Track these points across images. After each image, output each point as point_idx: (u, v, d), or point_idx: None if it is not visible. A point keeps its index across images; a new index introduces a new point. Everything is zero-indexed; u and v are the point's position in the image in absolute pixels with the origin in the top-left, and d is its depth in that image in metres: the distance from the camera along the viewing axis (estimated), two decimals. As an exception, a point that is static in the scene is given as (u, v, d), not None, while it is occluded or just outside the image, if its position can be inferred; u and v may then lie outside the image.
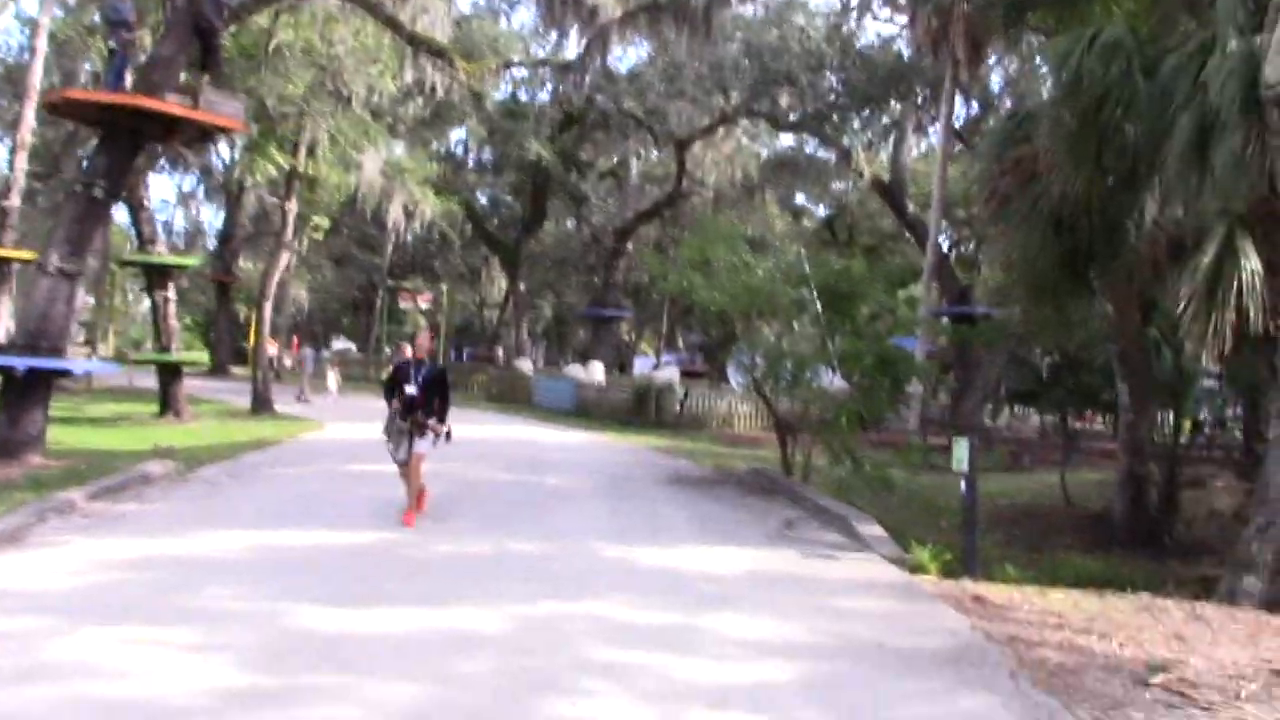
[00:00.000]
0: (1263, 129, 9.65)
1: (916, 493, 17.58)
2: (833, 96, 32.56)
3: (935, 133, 35.09)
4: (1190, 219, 10.72)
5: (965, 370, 29.54)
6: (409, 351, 12.01)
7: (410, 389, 11.30)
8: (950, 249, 41.34)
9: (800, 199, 49.48)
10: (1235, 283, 10.23)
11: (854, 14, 35.26)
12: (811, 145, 41.64)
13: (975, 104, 34.80)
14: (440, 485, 13.47)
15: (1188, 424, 16.99)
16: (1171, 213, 11.54)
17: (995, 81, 33.92)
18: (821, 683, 6.24)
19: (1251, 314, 10.19)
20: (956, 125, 31.90)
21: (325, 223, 33.58)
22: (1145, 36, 11.43)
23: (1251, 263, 10.33)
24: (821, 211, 50.92)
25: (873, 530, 11.49)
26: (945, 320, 29.81)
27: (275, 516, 11.25)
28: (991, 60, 31.85)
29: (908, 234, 40.60)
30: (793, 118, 35.75)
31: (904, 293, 35.34)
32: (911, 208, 38.37)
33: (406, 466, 11.37)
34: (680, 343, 63.51)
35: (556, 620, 7.32)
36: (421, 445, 11.32)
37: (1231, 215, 10.49)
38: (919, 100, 32.75)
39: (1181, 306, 10.31)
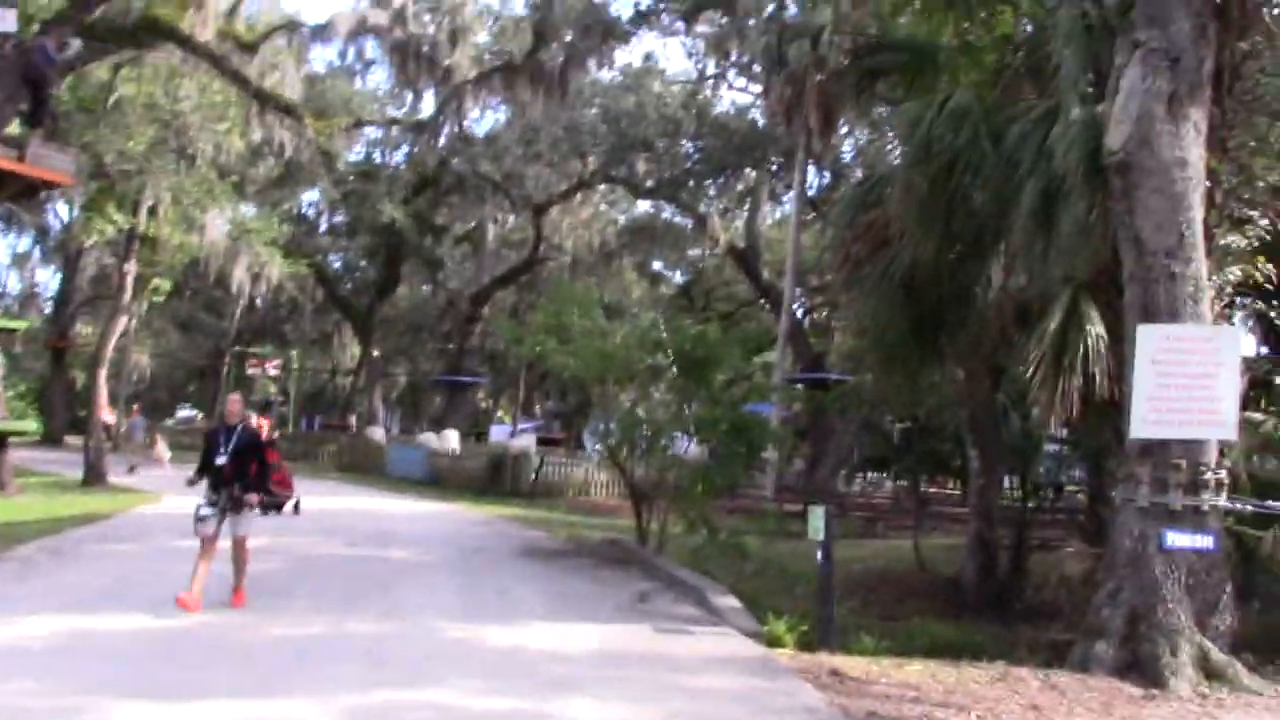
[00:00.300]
0: (1105, 195, 9.84)
1: (772, 560, 17.42)
2: (689, 163, 32.85)
3: (789, 200, 35.73)
4: (1036, 285, 10.85)
5: (819, 436, 29.80)
6: (253, 420, 11.25)
7: (219, 459, 10.23)
8: (804, 315, 41.96)
9: (658, 265, 49.67)
10: (1081, 349, 10.32)
11: (710, 83, 35.86)
12: (669, 212, 41.94)
13: (828, 173, 35.55)
14: (277, 561, 12.75)
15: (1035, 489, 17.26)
16: (1018, 279, 11.70)
17: (847, 151, 34.73)
18: (676, 774, 5.87)
19: (1097, 379, 10.29)
20: (810, 193, 32.46)
21: (166, 285, 32.15)
22: (992, 104, 11.63)
23: (1096, 328, 10.45)
24: (678, 278, 51.24)
25: (728, 602, 11.20)
26: (799, 386, 30.06)
27: (94, 598, 10.36)
28: (843, 129, 32.67)
29: (763, 300, 41.16)
30: (650, 184, 36.02)
31: (759, 359, 35.88)
32: (766, 274, 38.94)
33: (213, 544, 10.16)
34: (538, 409, 62.92)
35: (392, 711, 6.79)
36: (241, 524, 10.35)
37: (1076, 282, 10.64)
38: (773, 168, 33.30)
39: (1030, 372, 10.36)
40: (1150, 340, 9.57)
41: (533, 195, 39.23)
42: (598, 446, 16.34)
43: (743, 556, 15.51)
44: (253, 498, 10.33)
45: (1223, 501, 9.60)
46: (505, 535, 18.32)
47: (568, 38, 28.32)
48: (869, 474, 18.20)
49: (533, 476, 28.94)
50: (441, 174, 38.77)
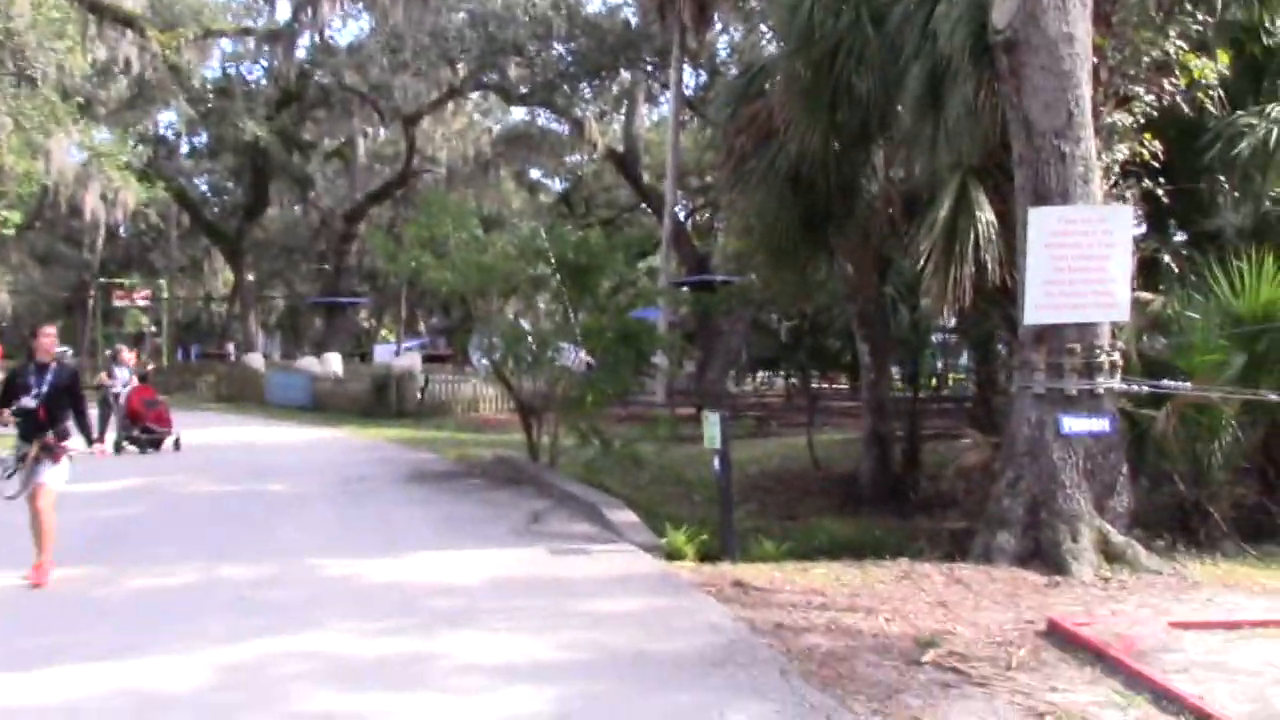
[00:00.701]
0: (993, 76, 9.49)
1: (668, 467, 17.19)
2: (562, 66, 31.84)
3: (667, 101, 35.04)
4: (925, 174, 10.51)
5: (708, 339, 29.55)
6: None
7: (28, 400, 8.60)
8: (687, 218, 41.55)
9: (536, 174, 48.66)
10: (972, 236, 10.08)
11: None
12: (544, 118, 40.91)
13: (704, 72, 34.82)
14: (145, 504, 12.02)
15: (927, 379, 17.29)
16: (906, 167, 11.37)
17: (723, 48, 34.04)
18: (578, 712, 5.47)
19: (989, 267, 10.07)
20: (687, 93, 31.77)
21: (15, 217, 30.27)
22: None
23: (986, 214, 10.20)
24: (558, 186, 50.32)
25: (625, 516, 10.84)
26: (685, 290, 29.72)
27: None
28: (718, 27, 31.97)
29: (644, 205, 40.56)
30: (523, 90, 34.87)
31: (643, 264, 35.40)
32: (646, 178, 38.33)
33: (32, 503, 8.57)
34: (422, 327, 61.76)
35: (267, 663, 6.25)
36: (48, 474, 8.59)
37: (965, 168, 10.34)
38: (648, 68, 32.49)
39: (921, 262, 10.07)
40: (1043, 223, 9.32)
41: (402, 107, 37.79)
42: (483, 361, 15.73)
43: (637, 466, 15.23)
44: (70, 447, 8.81)
45: (1117, 384, 9.48)
46: (391, 460, 17.71)
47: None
48: (760, 374, 17.93)
49: (418, 396, 28.21)
50: (305, 87, 37.05)
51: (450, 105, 39.17)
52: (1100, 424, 9.49)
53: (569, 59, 31.48)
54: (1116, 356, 9.51)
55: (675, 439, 17.78)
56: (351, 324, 50.47)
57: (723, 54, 33.65)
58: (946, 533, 11.57)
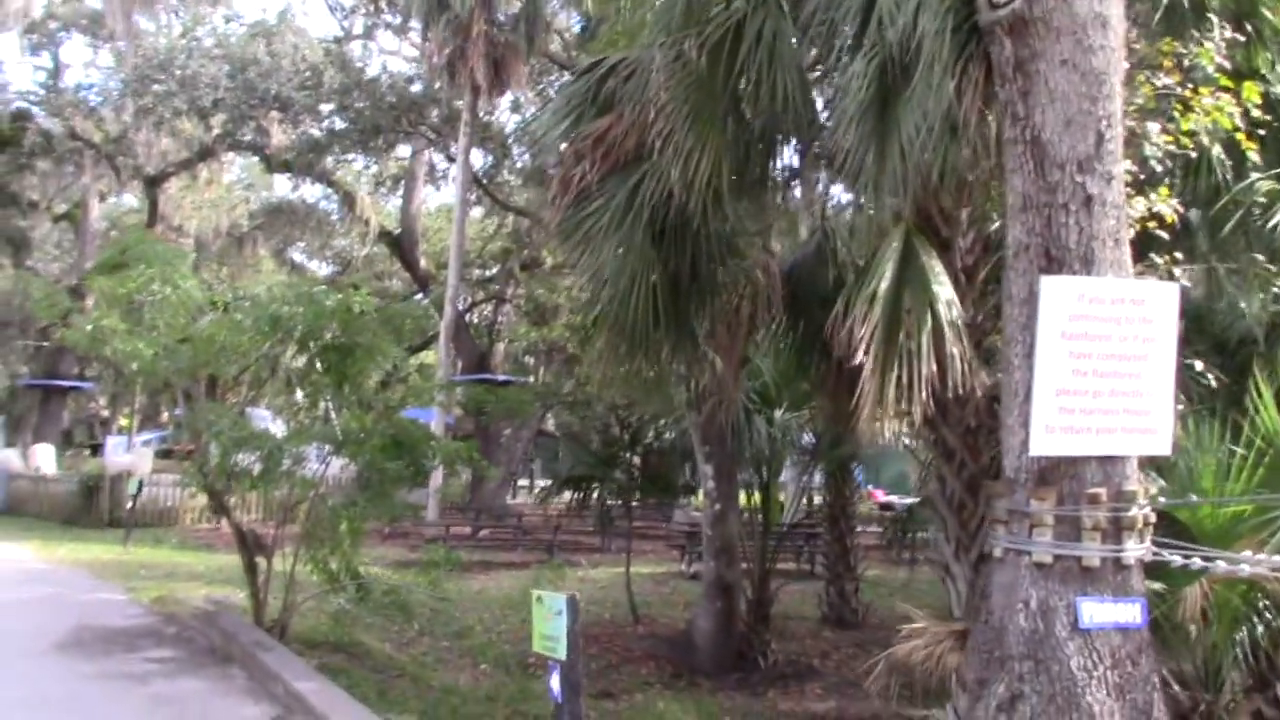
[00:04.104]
0: (985, 67, 6.26)
1: (442, 613, 13.45)
2: (334, 128, 27.70)
3: (449, 180, 31.48)
4: (862, 226, 7.18)
5: (486, 446, 25.69)
6: None
7: None
8: (467, 310, 37.71)
9: (299, 253, 43.78)
10: (929, 321, 6.78)
11: (359, 44, 30.92)
12: (312, 191, 36.49)
13: (491, 155, 31.34)
14: None
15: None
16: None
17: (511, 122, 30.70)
18: None
19: (959, 364, 6.78)
20: (475, 169, 28.23)
21: None
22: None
23: (944, 290, 6.94)
24: (324, 269, 45.53)
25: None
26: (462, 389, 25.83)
27: None
28: (510, 101, 28.77)
29: (421, 294, 36.47)
30: (287, 157, 30.42)
31: (414, 360, 31.30)
32: (424, 263, 34.47)
33: None
34: (166, 416, 54.91)
35: None
36: None
37: (906, 222, 7.07)
38: (432, 136, 28.76)
39: (860, 354, 6.65)
40: (1059, 300, 6.06)
41: (144, 165, 32.77)
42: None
43: (405, 616, 11.45)
44: None
45: (1147, 550, 6.24)
46: (57, 600, 12.65)
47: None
48: (576, 494, 14.32)
49: (129, 504, 22.96)
50: (20, 132, 31.32)
51: (202, 167, 34.28)
52: (1131, 612, 6.20)
53: (343, 118, 27.33)
54: (1149, 510, 6.30)
55: (455, 568, 13.79)
56: (83, 411, 43.92)
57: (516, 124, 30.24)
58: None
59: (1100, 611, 6.10)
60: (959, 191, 7.51)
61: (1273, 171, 7.94)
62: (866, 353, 6.68)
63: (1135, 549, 6.16)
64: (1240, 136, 7.63)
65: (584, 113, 7.89)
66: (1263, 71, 7.79)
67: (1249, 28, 8.22)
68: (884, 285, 6.84)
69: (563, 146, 7.87)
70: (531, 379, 37.75)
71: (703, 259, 8.05)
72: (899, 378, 6.68)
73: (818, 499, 17.55)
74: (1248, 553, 6.49)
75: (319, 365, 10.32)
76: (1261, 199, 8.02)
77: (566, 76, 27.95)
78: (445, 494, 19.35)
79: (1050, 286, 6.05)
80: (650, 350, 8.09)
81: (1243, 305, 7.97)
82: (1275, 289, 7.84)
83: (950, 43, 6.22)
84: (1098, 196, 6.09)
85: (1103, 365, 6.19)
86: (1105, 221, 6.13)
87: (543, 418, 29.97)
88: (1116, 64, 6.20)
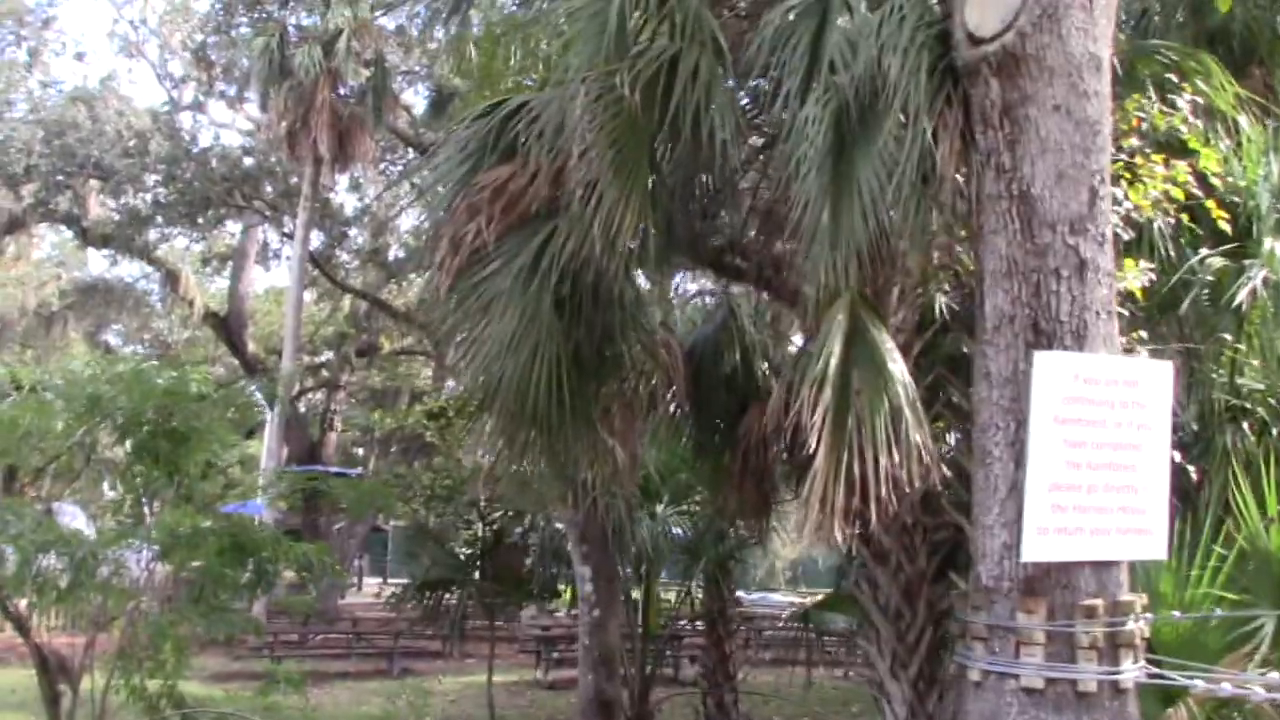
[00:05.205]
0: (965, 109, 5.45)
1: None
2: (159, 199, 25.79)
3: (287, 257, 29.80)
4: (810, 294, 6.26)
5: (315, 542, 23.86)
6: None
7: None
8: (296, 397, 35.66)
9: (114, 336, 40.91)
10: (884, 407, 5.87)
11: (186, 111, 29.17)
12: (133, 271, 34.16)
13: (326, 235, 29.89)
14: None
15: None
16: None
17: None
18: None
19: (920, 459, 5.87)
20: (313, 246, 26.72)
21: None
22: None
23: (900, 370, 6.05)
24: (140, 351, 42.64)
25: None
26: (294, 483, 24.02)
27: None
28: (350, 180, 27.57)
29: (246, 380, 34.30)
30: (107, 230, 28.24)
31: (236, 451, 29.17)
32: (253, 347, 32.47)
33: None
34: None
35: None
36: None
37: (852, 294, 6.17)
38: (268, 213, 27.13)
39: (814, 441, 5.67)
40: (1053, 379, 5.22)
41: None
42: None
43: None
44: None
45: (1141, 670, 5.39)
46: None
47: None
48: (430, 598, 12.90)
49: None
50: None
51: (9, 241, 31.67)
52: (1129, 747, 5.35)
53: (169, 189, 25.44)
54: (1144, 623, 5.47)
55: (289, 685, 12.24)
56: None
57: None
58: None
59: (1098, 749, 5.22)
60: (892, 260, 6.71)
61: (1223, 247, 7.40)
62: (819, 442, 5.72)
63: (1132, 670, 5.32)
64: (1182, 212, 7.08)
65: (480, 160, 6.81)
66: (1192, 146, 7.23)
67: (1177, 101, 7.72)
68: (833, 364, 5.89)
69: (454, 200, 6.70)
70: (361, 471, 35.95)
71: (615, 331, 7.03)
72: (848, 470, 5.74)
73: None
74: (1256, 672, 5.71)
75: (146, 455, 8.79)
76: (1210, 276, 7.48)
77: (412, 154, 27.07)
78: (287, 602, 17.52)
79: (1044, 364, 5.22)
80: (554, 435, 6.95)
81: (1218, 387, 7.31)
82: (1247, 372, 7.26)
83: (926, 85, 5.41)
84: (1091, 261, 5.34)
85: (1096, 455, 5.38)
86: (1099, 290, 5.37)
87: (377, 513, 28.23)
88: (1108, 113, 5.50)
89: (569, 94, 6.07)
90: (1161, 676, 5.42)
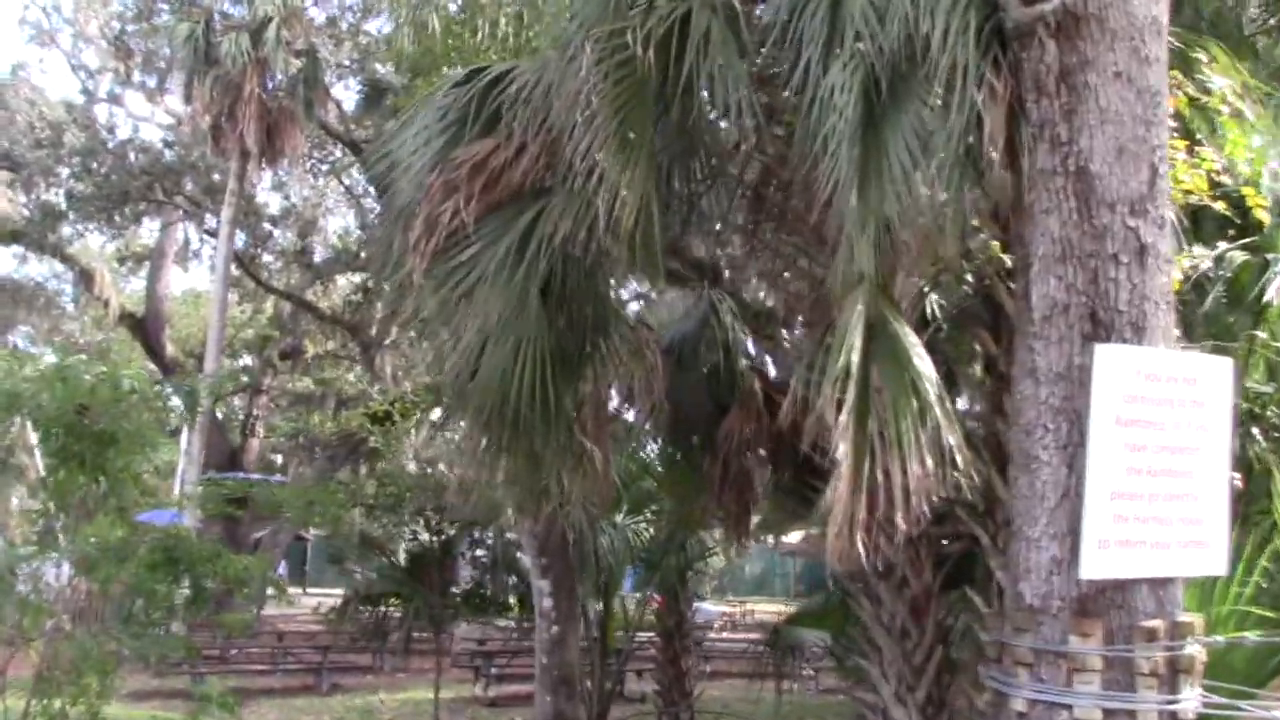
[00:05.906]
0: (1017, 76, 4.91)
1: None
2: (73, 193, 24.52)
3: (208, 256, 28.65)
4: (829, 282, 5.71)
5: (237, 552, 22.85)
6: None
7: None
8: (215, 401, 34.41)
9: (21, 338, 39.15)
10: (913, 408, 5.32)
11: (102, 103, 27.87)
12: (42, 270, 32.69)
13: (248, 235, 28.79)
14: None
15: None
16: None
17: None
18: None
19: (957, 462, 5.34)
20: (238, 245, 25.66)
21: None
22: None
23: (926, 368, 5.51)
24: (49, 356, 40.91)
25: None
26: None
27: None
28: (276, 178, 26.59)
29: (165, 384, 32.98)
30: (17, 226, 26.84)
31: (160, 455, 27.96)
32: (171, 349, 31.21)
33: None
34: None
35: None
36: None
37: (870, 286, 5.60)
38: (189, 209, 26.00)
39: (841, 449, 5.09)
40: (1113, 377, 4.72)
41: None
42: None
43: None
44: None
45: (1197, 698, 4.90)
46: None
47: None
48: (372, 613, 12.14)
49: None
50: None
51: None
52: (1187, 782, 4.86)
53: (85, 183, 24.19)
54: (1200, 646, 4.98)
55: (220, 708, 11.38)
56: None
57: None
58: None
59: (1158, 786, 4.72)
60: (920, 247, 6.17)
61: (1241, 241, 6.99)
62: (849, 445, 5.15)
63: (1190, 699, 4.83)
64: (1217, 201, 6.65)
65: (459, 134, 6.14)
66: (1229, 130, 6.82)
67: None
68: (855, 359, 5.32)
69: (430, 177, 6.02)
70: (281, 478, 34.84)
71: (604, 324, 6.41)
72: (871, 477, 5.17)
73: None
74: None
75: (70, 459, 7.94)
76: (1226, 273, 7.08)
77: (340, 151, 26.13)
78: (223, 620, 16.54)
79: (1105, 358, 4.70)
80: (534, 438, 6.30)
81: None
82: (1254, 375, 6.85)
83: (974, 48, 4.87)
84: (1151, 246, 4.84)
85: (1155, 461, 4.88)
86: (1158, 278, 4.88)
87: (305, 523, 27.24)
88: (1166, 83, 5.02)
89: (568, 56, 5.43)
90: (1222, 705, 4.93)
